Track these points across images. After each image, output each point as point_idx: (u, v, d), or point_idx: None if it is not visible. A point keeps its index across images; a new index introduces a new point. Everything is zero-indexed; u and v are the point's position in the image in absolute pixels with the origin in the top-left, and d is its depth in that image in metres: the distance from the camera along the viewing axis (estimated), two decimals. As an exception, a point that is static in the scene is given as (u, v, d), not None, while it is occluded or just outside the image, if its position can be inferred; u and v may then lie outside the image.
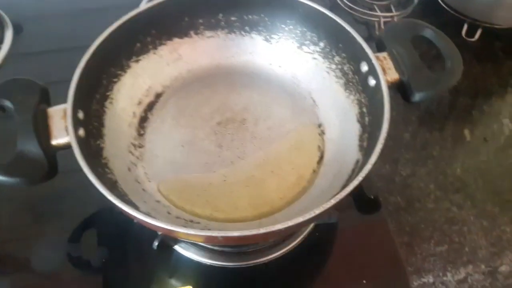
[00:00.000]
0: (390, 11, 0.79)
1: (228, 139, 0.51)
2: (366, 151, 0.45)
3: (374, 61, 0.47)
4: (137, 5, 0.68)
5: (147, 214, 0.41)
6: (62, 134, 0.42)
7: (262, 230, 0.36)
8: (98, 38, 0.48)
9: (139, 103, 0.53)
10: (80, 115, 0.44)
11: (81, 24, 0.72)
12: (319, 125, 0.53)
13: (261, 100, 0.55)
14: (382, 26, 0.77)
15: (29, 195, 0.52)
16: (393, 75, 0.47)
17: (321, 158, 0.50)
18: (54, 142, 0.42)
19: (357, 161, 0.45)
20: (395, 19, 0.78)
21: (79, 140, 0.41)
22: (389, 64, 0.48)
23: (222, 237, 0.36)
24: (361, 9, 0.79)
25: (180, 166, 0.49)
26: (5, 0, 0.71)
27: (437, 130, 0.66)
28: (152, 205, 0.45)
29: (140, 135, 0.52)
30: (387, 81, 0.46)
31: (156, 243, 0.44)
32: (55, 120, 0.43)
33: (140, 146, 0.51)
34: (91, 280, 0.49)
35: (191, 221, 0.45)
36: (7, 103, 0.43)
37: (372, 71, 0.47)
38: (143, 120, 0.53)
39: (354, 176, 0.43)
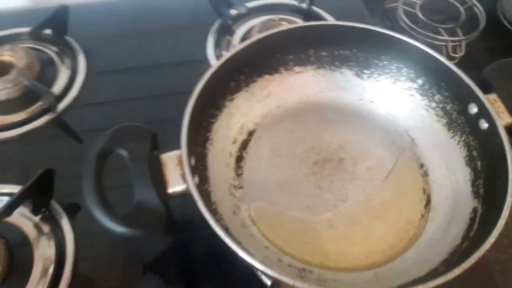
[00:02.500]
0: (457, 34, 0.77)
1: (327, 180, 0.50)
2: (485, 199, 0.44)
3: (487, 104, 0.45)
4: (205, 24, 0.71)
5: (264, 264, 0.41)
6: (178, 183, 0.41)
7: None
8: (201, 79, 0.47)
9: (234, 142, 0.52)
10: (193, 161, 0.43)
11: (148, 42, 0.73)
12: (421, 166, 0.51)
13: (357, 138, 0.54)
14: (450, 51, 0.76)
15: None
16: (507, 119, 0.46)
17: (428, 202, 0.49)
18: (171, 190, 0.41)
19: (475, 210, 0.44)
20: (463, 43, 0.77)
21: (197, 188, 0.40)
22: (500, 107, 0.47)
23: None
24: (423, 31, 0.77)
25: (282, 209, 0.48)
26: (71, 27, 0.71)
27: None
28: (263, 252, 0.44)
29: (238, 175, 0.51)
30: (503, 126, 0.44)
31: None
32: (169, 168, 0.42)
33: (240, 187, 0.50)
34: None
35: (303, 269, 0.44)
36: (121, 151, 0.42)
37: (484, 114, 0.46)
38: (239, 160, 0.52)
39: (476, 226, 0.42)
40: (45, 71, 0.67)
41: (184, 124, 0.43)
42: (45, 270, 0.49)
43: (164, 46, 0.73)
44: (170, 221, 0.41)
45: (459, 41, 0.76)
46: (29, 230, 0.51)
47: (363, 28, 0.52)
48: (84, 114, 0.64)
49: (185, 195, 0.41)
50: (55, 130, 0.64)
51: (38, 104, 0.64)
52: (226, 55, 0.49)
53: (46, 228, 0.52)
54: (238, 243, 0.41)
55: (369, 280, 0.42)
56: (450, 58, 0.73)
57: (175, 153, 0.43)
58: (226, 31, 0.72)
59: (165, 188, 0.41)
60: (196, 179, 0.42)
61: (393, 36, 0.52)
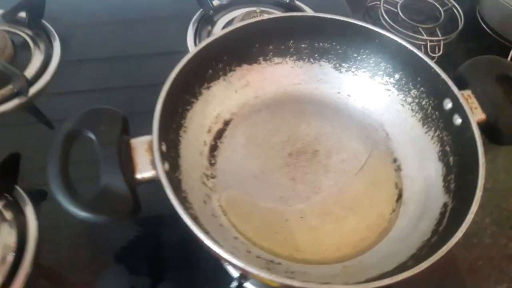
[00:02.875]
0: (436, 34, 0.78)
1: (301, 172, 0.50)
2: (455, 194, 0.44)
3: (461, 100, 0.45)
4: (186, 14, 0.69)
5: (231, 254, 0.40)
6: (148, 168, 0.40)
7: (369, 286, 0.34)
8: (178, 64, 0.46)
9: (209, 130, 0.52)
10: (164, 147, 0.42)
11: (128, 34, 0.72)
12: (395, 160, 0.51)
13: (332, 131, 0.53)
14: (429, 51, 0.77)
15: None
16: (480, 115, 0.46)
17: (400, 196, 0.49)
18: (139, 176, 0.40)
19: (445, 204, 0.44)
20: (442, 43, 0.77)
21: (167, 174, 0.40)
22: (474, 103, 0.47)
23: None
24: (404, 31, 0.78)
25: (255, 199, 0.48)
26: (48, 12, 0.69)
27: (490, 161, 0.65)
28: (232, 242, 0.44)
29: (212, 164, 0.50)
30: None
31: (235, 284, 0.43)
32: (139, 153, 0.41)
33: (213, 177, 0.49)
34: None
35: (272, 261, 0.44)
36: (90, 134, 0.41)
37: (458, 110, 0.46)
38: (214, 149, 0.51)
39: (446, 221, 0.42)
40: (18, 55, 0.65)
41: (157, 108, 0.42)
42: (3, 258, 0.47)
43: (143, 36, 0.71)
44: (136, 207, 0.40)
45: (438, 41, 0.77)
46: (-10, 216, 0.49)
47: (343, 21, 0.52)
48: (56, 101, 0.63)
49: (154, 182, 0.40)
50: (26, 115, 0.62)
51: (9, 87, 0.61)
52: (205, 41, 0.48)
53: (8, 215, 0.50)
54: (206, 232, 0.41)
55: (337, 273, 0.42)
56: (429, 58, 0.73)
57: (145, 138, 0.42)
58: (207, 21, 0.72)
59: (133, 173, 0.40)
60: (166, 165, 0.41)
61: (372, 30, 0.51)
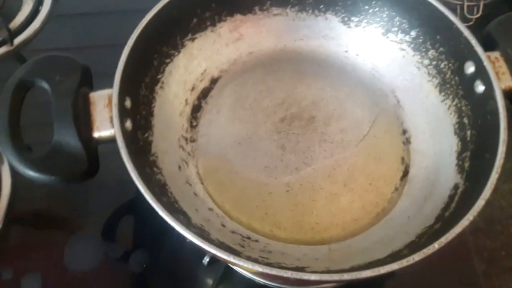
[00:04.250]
0: (476, -6, 0.68)
1: (293, 140, 0.44)
2: (469, 175, 0.37)
3: (486, 63, 0.38)
4: None
5: (200, 228, 0.35)
6: (106, 126, 0.36)
7: (346, 277, 0.28)
8: (151, 10, 0.40)
9: (193, 88, 0.46)
10: (128, 103, 0.37)
11: None
12: (404, 132, 0.44)
13: (334, 95, 0.47)
14: (466, 12, 0.67)
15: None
16: (508, 82, 0.39)
17: (406, 173, 0.42)
18: (96, 134, 0.36)
19: (456, 186, 0.37)
20: (481, 3, 0.67)
21: (126, 134, 0.35)
22: (503, 67, 0.39)
23: (296, 279, 0.28)
24: (438, -12, 0.68)
25: (237, 168, 0.42)
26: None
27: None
28: (205, 214, 0.39)
29: (193, 126, 0.44)
30: (502, 89, 0.37)
31: (207, 259, 0.38)
32: (98, 108, 0.36)
33: (192, 140, 0.44)
34: (128, 286, 0.44)
35: (249, 237, 0.38)
36: (44, 84, 0.36)
37: (482, 75, 0.38)
38: (197, 110, 0.45)
39: (454, 205, 0.35)
40: (8, 1, 0.62)
41: (121, 59, 0.37)
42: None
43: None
44: (92, 169, 0.35)
45: (478, 0, 0.67)
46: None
47: (352, -35, 0.44)
48: (44, 52, 0.58)
49: (115, 142, 0.35)
50: (15, 65, 0.58)
51: (-4, 34, 0.58)
52: (187, -16, 0.42)
53: (-18, 171, 0.47)
54: (174, 201, 0.36)
55: (321, 257, 0.37)
56: (465, 19, 0.64)
57: (107, 91, 0.37)
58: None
59: (91, 131, 0.36)
60: (128, 124, 0.37)
61: (386, -23, 0.43)
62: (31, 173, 0.34)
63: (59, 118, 0.35)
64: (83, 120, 0.36)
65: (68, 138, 0.35)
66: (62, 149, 0.34)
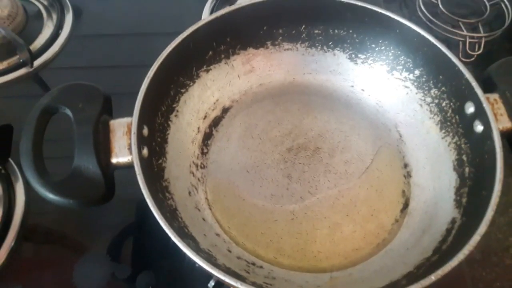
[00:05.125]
0: (478, 31, 0.71)
1: (298, 170, 0.46)
2: (466, 210, 0.38)
3: (485, 104, 0.40)
4: None
5: (208, 253, 0.37)
6: (124, 153, 0.38)
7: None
8: (171, 44, 0.43)
9: (205, 117, 0.48)
10: (145, 131, 0.39)
11: (143, 10, 0.69)
12: (405, 165, 0.46)
13: (339, 128, 0.49)
14: (467, 48, 0.69)
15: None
16: (505, 123, 0.40)
17: (406, 206, 0.44)
18: (114, 160, 0.38)
19: (453, 220, 0.39)
20: (483, 41, 0.70)
21: (142, 161, 0.37)
22: (501, 109, 0.41)
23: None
24: (443, 25, 0.71)
25: (244, 195, 0.44)
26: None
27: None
28: (212, 239, 0.40)
29: (203, 153, 0.46)
30: (500, 130, 0.39)
31: (212, 283, 0.40)
32: (117, 136, 0.38)
33: (202, 167, 0.46)
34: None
35: (253, 263, 0.40)
36: (67, 111, 0.38)
37: (481, 115, 0.40)
38: (208, 137, 0.47)
39: (451, 239, 0.37)
40: (30, 24, 0.65)
41: (141, 89, 0.40)
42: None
43: (157, 14, 0.68)
44: (108, 193, 0.37)
45: (479, 38, 0.70)
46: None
47: (360, 7, 0.47)
48: (62, 74, 0.61)
49: (132, 167, 0.37)
50: (33, 87, 0.61)
51: (17, 56, 0.61)
52: (205, 19, 0.45)
53: (-1, 188, 0.49)
54: (184, 226, 0.38)
55: (322, 285, 0.38)
56: (466, 56, 0.67)
57: (126, 120, 0.39)
58: (225, 0, 0.68)
59: (109, 157, 0.38)
60: (145, 151, 0.39)
61: (393, 18, 0.46)
62: (51, 196, 0.36)
63: (80, 144, 0.37)
64: (102, 146, 0.38)
65: (87, 163, 0.37)
66: (81, 174, 0.36)
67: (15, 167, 0.50)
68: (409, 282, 0.33)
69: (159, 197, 0.38)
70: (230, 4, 0.66)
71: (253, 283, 0.34)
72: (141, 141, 0.38)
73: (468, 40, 0.69)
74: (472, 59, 0.67)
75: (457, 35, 0.69)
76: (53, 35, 0.64)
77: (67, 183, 0.36)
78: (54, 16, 0.66)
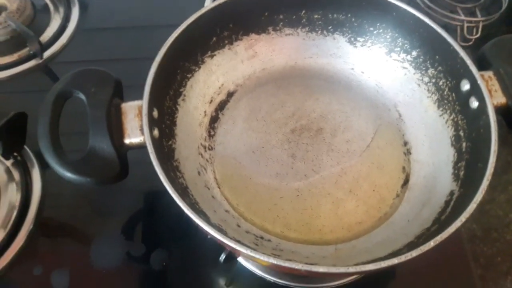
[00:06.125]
0: (475, 15, 0.72)
1: (302, 149, 0.48)
2: (463, 182, 0.40)
3: (479, 81, 0.41)
4: None
5: (219, 227, 0.39)
6: (136, 134, 0.39)
7: (351, 269, 0.32)
8: (177, 30, 0.44)
9: (211, 101, 0.50)
10: (155, 113, 0.41)
11: (147, 3, 0.70)
12: (405, 143, 0.48)
13: (340, 109, 0.50)
14: (465, 32, 0.71)
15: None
16: (500, 99, 0.42)
17: (406, 181, 0.46)
18: (127, 141, 0.40)
19: (452, 193, 0.41)
20: (480, 25, 0.71)
21: (154, 141, 0.39)
22: (495, 85, 0.43)
23: (306, 271, 0.32)
24: (441, 10, 0.72)
25: (251, 174, 0.46)
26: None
27: (517, 152, 0.60)
28: (222, 215, 0.42)
29: (211, 136, 0.48)
30: (494, 106, 0.41)
31: (223, 256, 0.42)
32: (129, 118, 0.40)
33: (210, 148, 0.48)
34: (149, 282, 0.47)
35: (262, 237, 0.42)
36: (80, 95, 0.40)
37: (476, 92, 0.42)
38: (214, 120, 0.49)
39: (450, 210, 0.39)
40: (38, 17, 0.66)
41: (150, 73, 0.41)
42: (8, 216, 0.48)
43: (161, 7, 0.70)
44: (123, 172, 0.39)
45: (477, 22, 0.71)
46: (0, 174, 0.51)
47: (359, -9, 0.48)
48: (70, 66, 0.63)
49: (144, 148, 0.39)
50: (43, 78, 0.63)
51: (26, 49, 0.62)
52: (208, 6, 0.47)
53: (16, 175, 0.51)
54: (195, 203, 0.40)
55: (328, 256, 0.40)
56: (465, 40, 0.68)
57: (136, 102, 0.41)
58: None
59: (122, 138, 0.40)
60: (156, 132, 0.40)
61: (389, 2, 0.48)
62: (69, 175, 0.38)
63: (94, 126, 0.39)
64: (115, 128, 0.40)
65: (102, 144, 0.39)
66: (96, 154, 0.38)
67: (31, 154, 0.52)
68: (409, 250, 0.35)
69: (171, 175, 0.40)
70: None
71: (263, 253, 0.36)
72: (152, 122, 0.40)
73: (466, 25, 0.71)
74: (470, 43, 0.69)
75: (455, 20, 0.71)
76: (61, 28, 0.66)
77: (83, 162, 0.38)
78: (61, 10, 0.68)
